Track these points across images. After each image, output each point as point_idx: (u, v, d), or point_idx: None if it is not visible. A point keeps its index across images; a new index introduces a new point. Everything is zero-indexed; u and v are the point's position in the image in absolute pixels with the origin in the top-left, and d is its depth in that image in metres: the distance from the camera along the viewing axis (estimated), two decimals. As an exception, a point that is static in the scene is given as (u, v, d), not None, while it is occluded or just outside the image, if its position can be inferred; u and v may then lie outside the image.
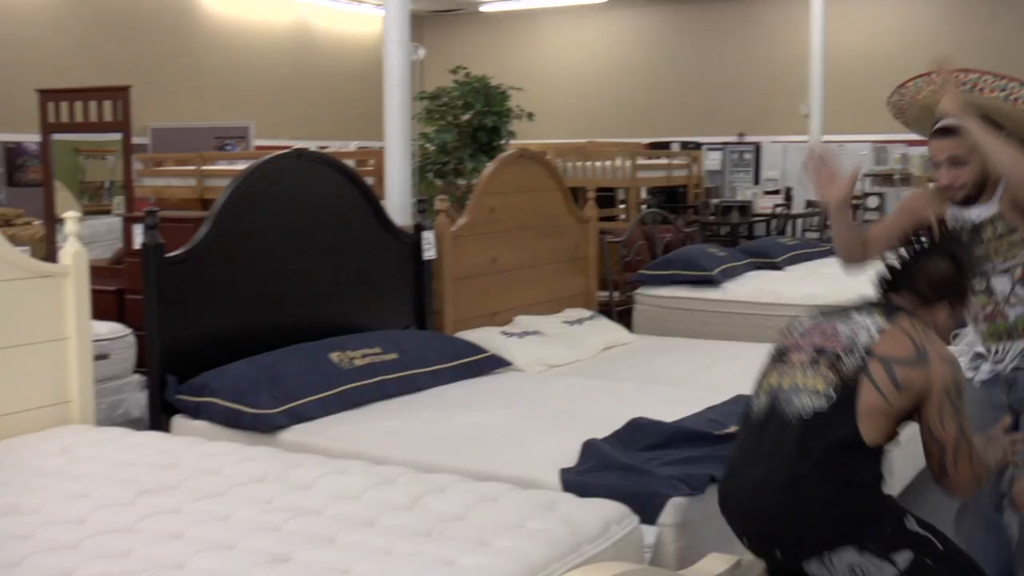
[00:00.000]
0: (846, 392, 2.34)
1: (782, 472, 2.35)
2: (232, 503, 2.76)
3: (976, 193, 3.05)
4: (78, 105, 7.03)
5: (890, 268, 2.57)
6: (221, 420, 3.81)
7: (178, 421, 3.94)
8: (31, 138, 9.75)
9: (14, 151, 10.78)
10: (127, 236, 6.01)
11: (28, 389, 3.59)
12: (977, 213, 3.07)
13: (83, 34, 11.67)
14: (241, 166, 7.79)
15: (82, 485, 2.93)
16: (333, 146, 10.73)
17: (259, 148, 11.23)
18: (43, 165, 7.49)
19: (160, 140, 11.81)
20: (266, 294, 4.36)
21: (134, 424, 4.42)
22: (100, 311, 3.92)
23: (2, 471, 3.07)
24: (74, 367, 3.71)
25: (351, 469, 3.07)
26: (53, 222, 7.15)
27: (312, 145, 5.10)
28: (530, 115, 8.02)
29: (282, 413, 3.76)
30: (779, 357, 2.52)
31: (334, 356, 4.13)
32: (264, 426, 3.72)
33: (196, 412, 3.88)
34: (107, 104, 6.96)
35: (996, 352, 3.11)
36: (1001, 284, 3.08)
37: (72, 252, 3.72)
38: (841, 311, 2.52)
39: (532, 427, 3.73)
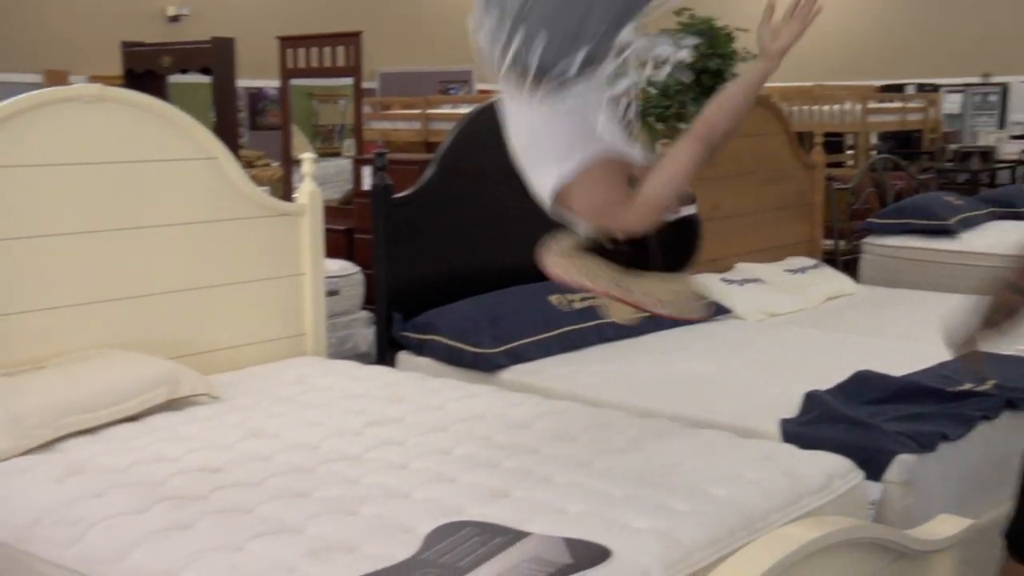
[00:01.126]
0: None
1: None
2: (453, 438, 2.84)
3: None
4: (313, 51, 7.31)
5: None
6: (443, 358, 3.93)
7: (403, 357, 4.09)
8: (271, 83, 10.25)
9: (256, 96, 11.38)
10: (356, 178, 6.26)
11: (267, 321, 3.81)
12: None
13: (318, -18, 12.12)
14: (464, 110, 7.93)
15: (316, 413, 3.09)
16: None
17: (481, 92, 11.39)
18: (282, 109, 7.86)
19: (387, 84, 12.17)
20: (488, 235, 4.44)
21: (361, 358, 4.62)
22: (331, 249, 4.11)
23: (248, 396, 3.28)
24: (308, 302, 3.91)
25: (569, 410, 3.10)
26: (290, 164, 7.50)
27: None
28: (755, 57, 7.76)
29: (502, 353, 3.84)
30: None
31: (553, 298, 4.17)
32: (485, 365, 3.81)
33: (420, 349, 4.02)
34: (340, 50, 7.20)
35: None
36: None
37: (308, 192, 3.90)
38: None
39: (751, 376, 3.66)
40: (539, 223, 4.59)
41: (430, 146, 8.05)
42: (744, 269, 5.36)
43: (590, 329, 4.12)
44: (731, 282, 5.05)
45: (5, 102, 3.13)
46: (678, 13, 7.70)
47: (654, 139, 7.03)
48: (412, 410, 3.11)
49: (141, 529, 2.24)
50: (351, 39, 7.12)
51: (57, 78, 9.16)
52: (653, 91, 7.54)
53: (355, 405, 3.17)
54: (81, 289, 3.29)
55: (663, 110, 7.55)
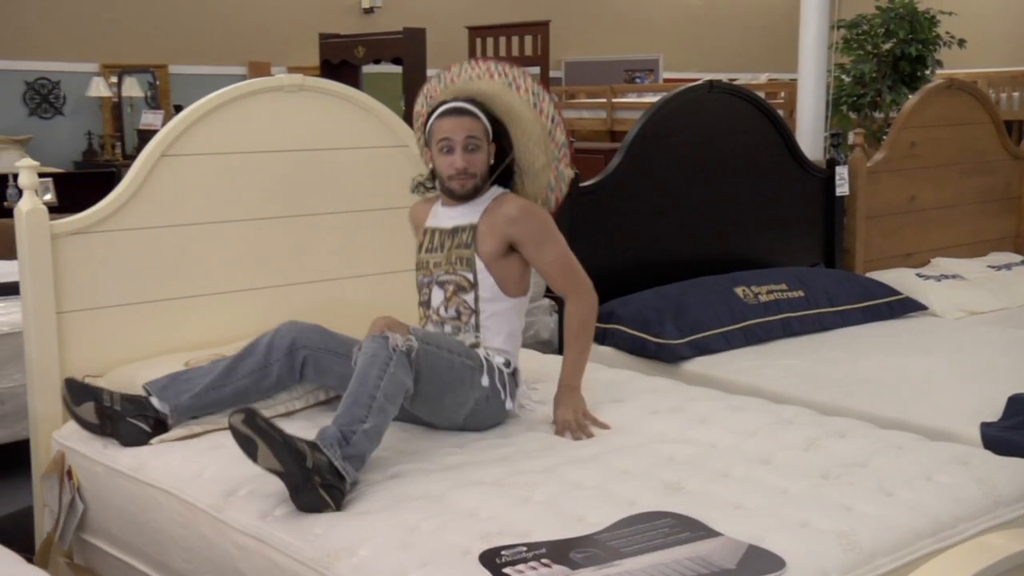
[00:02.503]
0: None
1: None
2: (629, 431, 2.83)
3: (476, 189, 2.87)
4: (502, 40, 7.43)
5: None
6: (626, 347, 3.92)
7: (585, 345, 4.09)
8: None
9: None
10: (542, 166, 6.30)
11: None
12: (460, 214, 2.90)
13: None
14: (649, 99, 7.88)
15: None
16: (743, 78, 10.55)
17: (667, 81, 11.29)
18: (469, 98, 7.98)
19: (573, 73, 12.20)
20: (672, 225, 4.40)
21: (543, 346, 4.66)
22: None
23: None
24: (493, 288, 3.96)
25: (747, 406, 3.04)
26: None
27: (720, 77, 5.03)
28: (961, 42, 7.41)
29: (686, 344, 3.80)
30: None
31: (739, 290, 4.10)
32: (668, 356, 3.78)
33: (603, 338, 4.02)
34: (527, 39, 7.29)
35: None
36: (437, 296, 2.91)
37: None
38: None
39: (947, 376, 3.50)
40: (724, 213, 4.54)
41: (615, 135, 8.04)
42: (942, 264, 5.13)
43: (776, 323, 4.03)
44: (927, 277, 4.84)
45: (214, 93, 3.30)
46: (877, -4, 7.43)
47: (847, 128, 6.81)
48: (590, 401, 3.10)
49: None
50: (539, 28, 7.19)
51: (260, 69, 9.61)
52: (846, 79, 7.31)
53: (534, 395, 3.17)
54: (277, 272, 3.44)
55: (856, 99, 7.30)
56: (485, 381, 2.77)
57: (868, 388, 3.37)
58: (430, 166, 2.94)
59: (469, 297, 2.85)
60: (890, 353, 3.79)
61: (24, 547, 2.77)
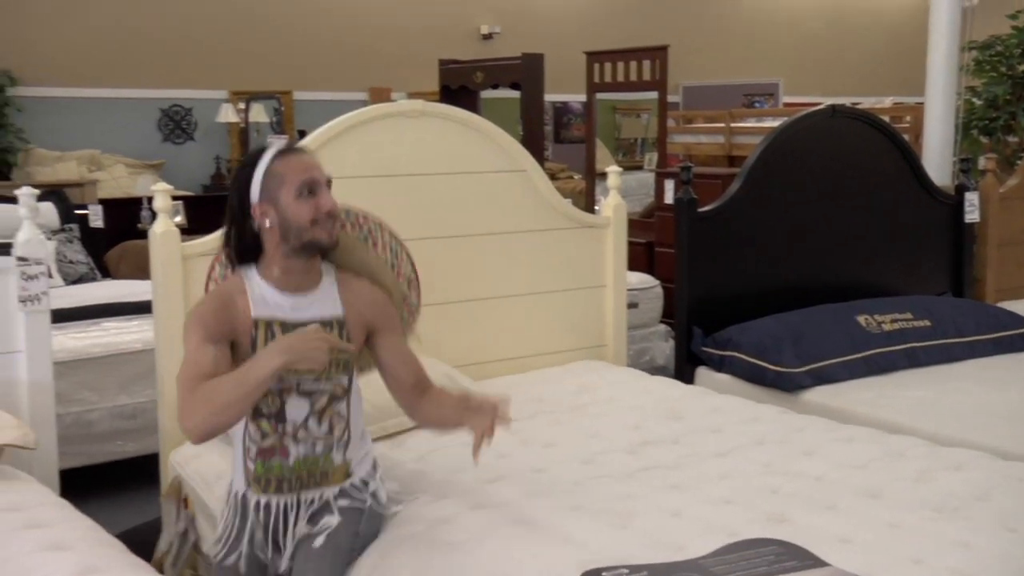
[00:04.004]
0: None
1: None
2: (732, 460, 2.78)
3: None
4: (620, 65, 7.42)
5: None
6: (744, 375, 3.86)
7: (702, 372, 4.05)
8: (575, 98, 10.48)
9: (560, 110, 11.67)
10: (658, 191, 6.28)
11: (570, 331, 3.89)
12: (310, 302, 2.29)
13: (625, -2, 12.27)
14: (769, 123, 7.76)
15: (594, 424, 3.11)
16: (866, 102, 10.33)
17: (787, 105, 11.12)
18: (587, 122, 8.02)
19: (690, 97, 12.13)
20: (793, 252, 4.33)
21: (657, 372, 4.62)
22: (630, 262, 4.13)
23: (530, 404, 3.31)
24: (610, 313, 3.96)
25: (857, 437, 2.96)
26: (594, 176, 7.63)
27: (843, 101, 4.94)
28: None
29: (806, 373, 3.72)
30: None
31: (861, 319, 4.00)
32: (787, 385, 3.71)
33: (720, 365, 3.97)
34: (646, 64, 7.27)
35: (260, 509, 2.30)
36: (297, 409, 2.28)
37: (613, 205, 3.95)
38: None
39: (1084, 412, 3.34)
40: (846, 239, 4.44)
41: (733, 160, 7.95)
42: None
43: (900, 352, 3.92)
44: (1061, 309, 4.64)
45: (338, 119, 3.38)
46: (1013, 16, 7.20)
47: (977, 152, 6.60)
48: (691, 429, 3.05)
49: (422, 535, 2.32)
50: (658, 53, 7.16)
51: (380, 95, 9.81)
52: (977, 102, 7.09)
53: (633, 419, 3.16)
54: (398, 293, 3.49)
55: (988, 122, 7.07)
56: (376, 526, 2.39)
57: (995, 421, 3.24)
58: (266, 223, 2.25)
59: (342, 407, 2.32)
60: (1021, 386, 3.64)
61: (150, 559, 2.86)
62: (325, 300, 2.31)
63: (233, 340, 2.24)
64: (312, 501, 2.31)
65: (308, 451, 2.29)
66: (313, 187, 2.26)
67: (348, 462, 2.34)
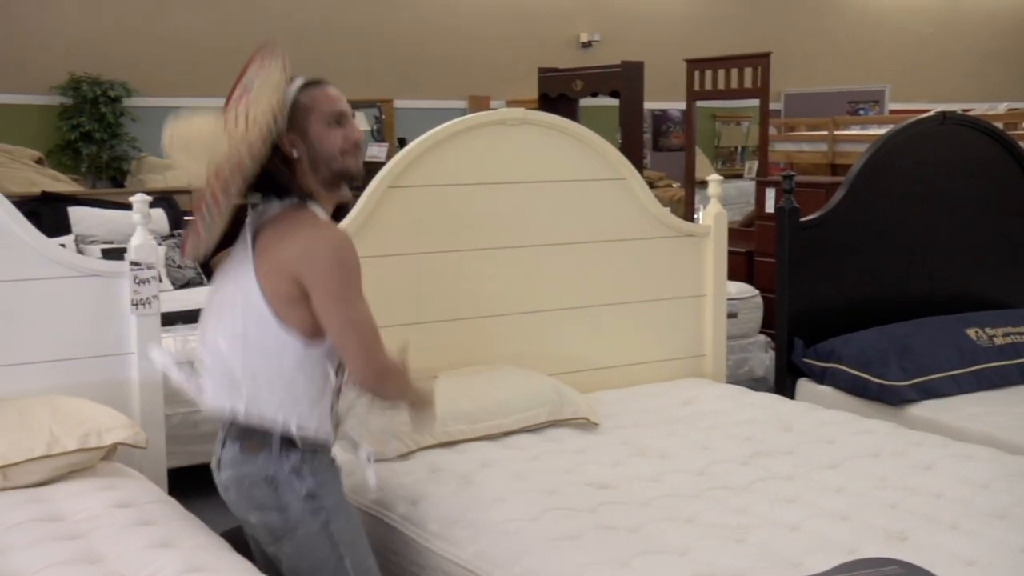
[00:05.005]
0: None
1: None
2: (846, 475, 2.73)
3: None
4: (720, 73, 7.34)
5: None
6: (847, 388, 3.78)
7: (803, 384, 3.98)
8: (675, 105, 10.41)
9: (660, 118, 11.59)
10: (759, 199, 6.19)
11: (668, 340, 3.86)
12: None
13: (723, 4, 12.14)
14: (873, 131, 7.60)
15: (704, 437, 3.08)
16: (978, 109, 10.04)
17: (893, 112, 10.87)
18: (686, 131, 7.95)
19: (792, 105, 11.93)
20: (899, 262, 4.22)
21: (757, 383, 4.56)
22: (730, 272, 4.08)
23: (636, 415, 3.33)
24: (709, 323, 3.92)
25: (978, 455, 2.87)
26: (693, 185, 7.57)
27: (953, 108, 4.80)
28: None
29: (911, 387, 3.63)
30: None
31: (971, 332, 3.88)
32: (892, 398, 3.62)
33: (822, 377, 3.89)
34: (747, 71, 7.17)
35: None
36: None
37: (714, 213, 3.91)
38: None
39: None
40: (956, 250, 4.31)
41: (835, 168, 7.80)
42: None
43: (1013, 367, 3.80)
44: None
45: (439, 127, 3.41)
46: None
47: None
48: (802, 441, 3.01)
49: (535, 535, 2.34)
50: (759, 60, 7.07)
51: (480, 103, 9.87)
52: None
53: (744, 432, 3.12)
54: (494, 301, 3.51)
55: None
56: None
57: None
58: (294, 153, 2.25)
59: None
60: None
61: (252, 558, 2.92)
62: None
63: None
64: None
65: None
66: (341, 118, 2.26)
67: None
